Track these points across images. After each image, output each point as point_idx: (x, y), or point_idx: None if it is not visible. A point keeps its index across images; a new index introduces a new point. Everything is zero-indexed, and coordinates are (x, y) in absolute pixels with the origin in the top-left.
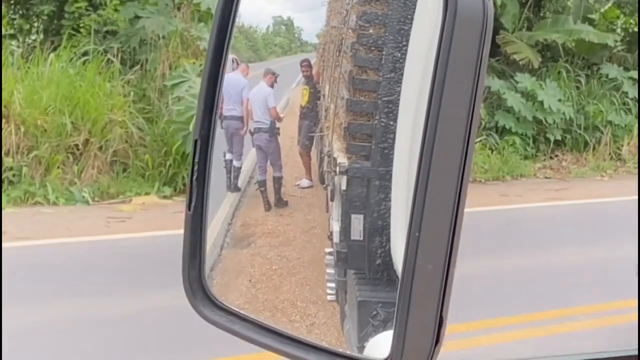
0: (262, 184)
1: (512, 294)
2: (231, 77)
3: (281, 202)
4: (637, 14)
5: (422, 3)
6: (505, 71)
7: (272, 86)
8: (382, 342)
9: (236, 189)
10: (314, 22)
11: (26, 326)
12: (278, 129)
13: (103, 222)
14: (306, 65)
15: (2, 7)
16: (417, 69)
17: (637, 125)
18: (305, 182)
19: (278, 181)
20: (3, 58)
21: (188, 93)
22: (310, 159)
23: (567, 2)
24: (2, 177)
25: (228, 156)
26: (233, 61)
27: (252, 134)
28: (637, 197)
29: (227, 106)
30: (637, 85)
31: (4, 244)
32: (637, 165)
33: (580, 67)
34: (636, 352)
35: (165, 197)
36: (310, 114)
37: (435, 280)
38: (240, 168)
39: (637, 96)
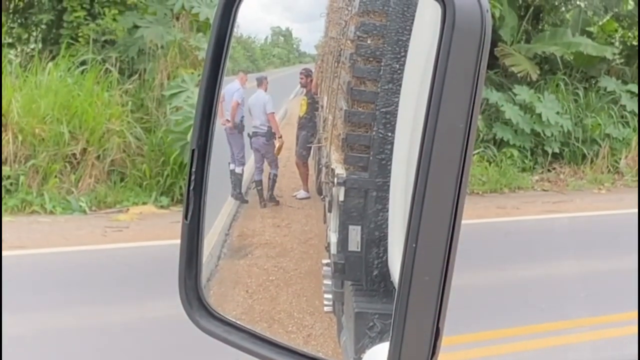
0: (258, 183)
1: (508, 306)
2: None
3: (273, 199)
4: (635, 27)
5: (420, 14)
6: (504, 83)
7: (265, 90)
8: (378, 354)
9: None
10: (313, 33)
11: (23, 334)
12: (274, 133)
13: (100, 231)
14: (304, 74)
15: (2, 16)
16: (415, 80)
17: (635, 138)
18: (302, 193)
19: (273, 177)
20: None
21: (186, 103)
22: (308, 170)
23: (565, 15)
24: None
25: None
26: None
27: (250, 137)
28: (634, 210)
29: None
30: (634, 98)
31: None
32: (634, 179)
33: (578, 79)
34: (636, 358)
35: (162, 206)
36: (308, 125)
37: (432, 291)
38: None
39: (635, 109)
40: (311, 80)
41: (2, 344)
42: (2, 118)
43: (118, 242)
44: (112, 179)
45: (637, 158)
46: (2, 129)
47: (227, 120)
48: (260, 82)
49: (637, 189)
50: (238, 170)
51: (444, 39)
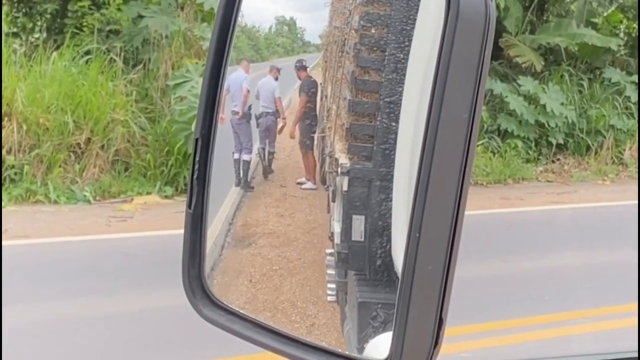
0: (262, 152)
1: (512, 298)
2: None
3: (269, 170)
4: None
5: (424, 4)
6: (508, 74)
7: (276, 79)
8: (381, 343)
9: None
10: (317, 23)
11: (27, 325)
12: (279, 115)
13: (104, 221)
14: (299, 67)
15: (6, 5)
16: (419, 69)
17: (638, 129)
18: (308, 184)
19: (271, 154)
20: (6, 56)
21: (190, 93)
22: (313, 159)
23: (570, 6)
24: (4, 175)
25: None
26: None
27: (257, 117)
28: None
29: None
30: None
31: (4, 242)
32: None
33: (583, 70)
34: (636, 355)
35: (166, 196)
36: (311, 114)
37: (435, 281)
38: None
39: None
40: (305, 69)
41: (6, 335)
42: (7, 107)
43: (122, 232)
44: (116, 169)
45: (638, 149)
46: (7, 118)
47: (236, 112)
48: (272, 70)
49: None
50: (246, 158)
51: (448, 29)
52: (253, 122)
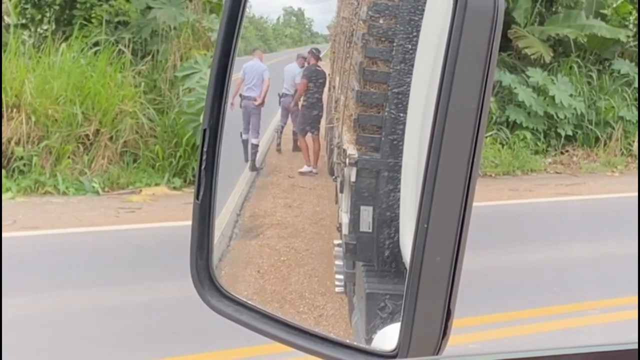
0: (280, 128)
1: (520, 289)
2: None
3: (295, 147)
4: None
5: None
6: (517, 66)
7: (302, 66)
8: (390, 334)
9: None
10: (325, 14)
11: (34, 315)
12: (299, 97)
13: (113, 212)
14: (312, 54)
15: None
16: (427, 60)
17: (639, 121)
18: (305, 168)
19: (295, 133)
20: (14, 48)
21: (199, 84)
22: (304, 144)
23: None
24: (13, 166)
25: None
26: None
27: (280, 97)
28: None
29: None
30: None
31: (14, 233)
32: None
33: (592, 62)
34: (636, 346)
35: (175, 188)
36: (319, 104)
37: (443, 272)
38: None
39: None
40: (316, 59)
41: (15, 324)
42: (16, 99)
43: (130, 223)
44: (124, 160)
45: (639, 140)
46: (16, 109)
47: (253, 98)
48: (299, 58)
49: None
50: (254, 141)
51: (457, 20)
52: (265, 109)
